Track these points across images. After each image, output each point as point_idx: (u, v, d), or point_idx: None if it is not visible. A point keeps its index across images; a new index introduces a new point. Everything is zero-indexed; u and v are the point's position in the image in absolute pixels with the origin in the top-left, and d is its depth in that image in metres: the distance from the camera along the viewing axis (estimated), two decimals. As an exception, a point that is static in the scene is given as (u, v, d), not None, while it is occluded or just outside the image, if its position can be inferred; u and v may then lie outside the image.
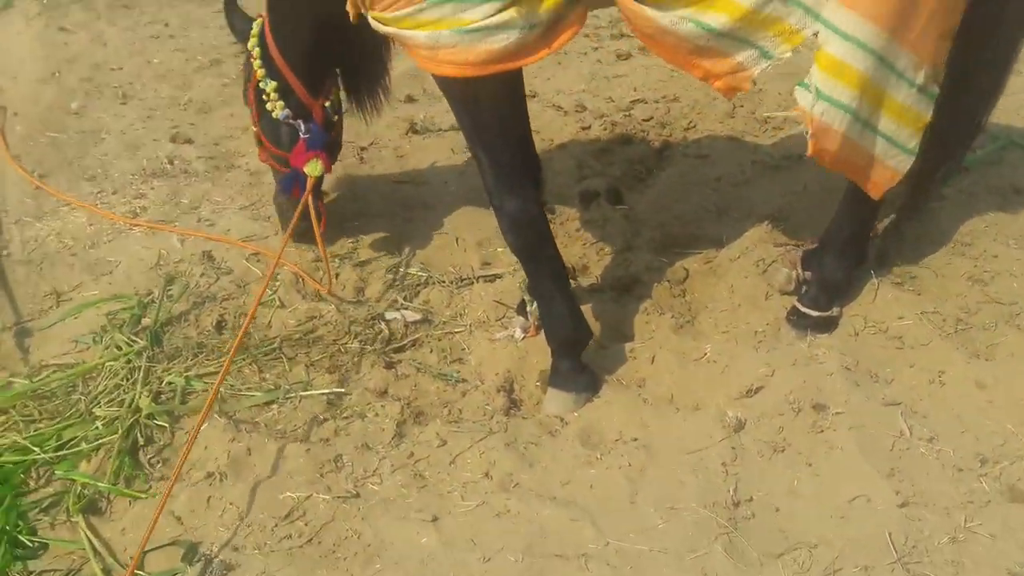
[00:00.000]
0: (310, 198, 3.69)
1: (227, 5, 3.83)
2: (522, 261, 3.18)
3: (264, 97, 3.64)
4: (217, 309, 3.66)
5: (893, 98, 2.70)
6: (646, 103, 5.01)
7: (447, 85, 2.88)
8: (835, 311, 3.23)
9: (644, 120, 4.82)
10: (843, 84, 2.64)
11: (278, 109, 3.65)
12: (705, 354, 3.21)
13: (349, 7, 2.78)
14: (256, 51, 3.61)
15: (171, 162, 4.68)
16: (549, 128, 4.78)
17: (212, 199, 4.38)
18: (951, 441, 2.77)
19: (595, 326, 3.39)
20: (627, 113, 4.88)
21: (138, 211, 4.27)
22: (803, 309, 3.23)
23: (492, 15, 2.54)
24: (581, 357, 3.14)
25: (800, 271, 3.36)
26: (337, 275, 3.79)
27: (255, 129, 3.84)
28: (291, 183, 3.75)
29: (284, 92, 3.63)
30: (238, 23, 3.80)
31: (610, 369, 3.23)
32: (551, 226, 3.28)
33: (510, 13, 2.54)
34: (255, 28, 3.64)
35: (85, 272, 3.92)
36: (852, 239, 3.24)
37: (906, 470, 2.69)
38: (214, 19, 6.37)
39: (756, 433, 2.86)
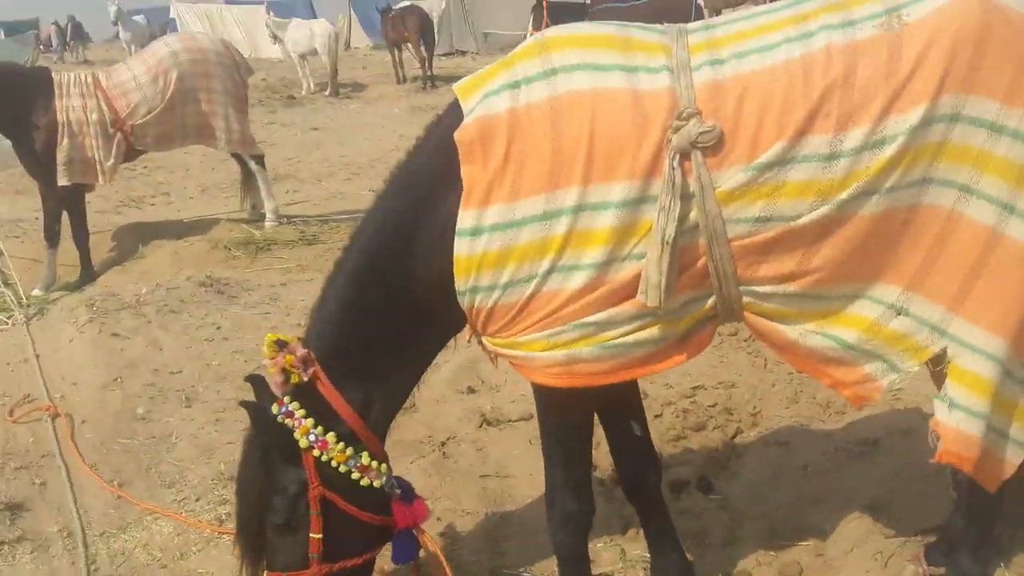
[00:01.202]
0: (434, 545, 3.29)
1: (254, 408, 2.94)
2: (563, 560, 3.20)
3: (357, 474, 2.96)
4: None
5: (1017, 403, 2.73)
6: (706, 389, 5.12)
7: (550, 392, 2.83)
8: None
9: (710, 406, 4.90)
10: (976, 394, 2.67)
11: (383, 473, 3.03)
12: (859, 656, 3.10)
13: (468, 331, 2.91)
14: (316, 433, 2.89)
15: (247, 465, 4.62)
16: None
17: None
18: None
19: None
20: (692, 399, 4.97)
21: (223, 518, 4.16)
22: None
23: (636, 332, 2.65)
24: None
25: (925, 567, 3.31)
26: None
27: (315, 549, 2.96)
28: (409, 548, 3.19)
29: (363, 448, 3.01)
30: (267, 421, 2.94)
31: (752, 672, 3.09)
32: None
33: (651, 330, 2.65)
34: (296, 413, 2.89)
35: (178, 585, 3.77)
36: (984, 533, 3.21)
37: None
38: (264, 320, 6.55)
39: None
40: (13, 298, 7.36)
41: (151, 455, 4.76)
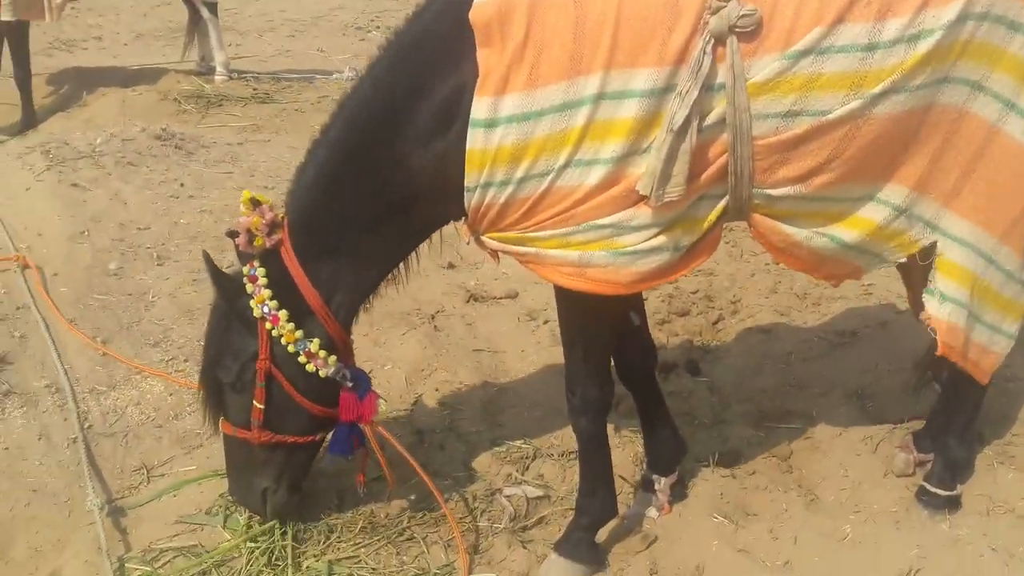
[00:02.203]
0: (374, 438, 3.17)
1: (211, 267, 2.92)
2: (583, 443, 3.15)
3: (304, 359, 2.89)
4: (332, 484, 3.52)
5: (999, 293, 2.87)
6: (687, 275, 5.17)
7: (575, 296, 2.77)
8: (959, 489, 3.34)
9: (692, 292, 4.97)
10: (962, 286, 2.80)
11: (330, 365, 2.93)
12: (847, 535, 3.25)
13: (466, 228, 2.78)
14: (270, 306, 2.82)
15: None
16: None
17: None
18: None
19: (717, 501, 3.42)
20: (675, 285, 5.02)
21: (215, 380, 4.09)
22: (932, 489, 3.32)
23: (647, 240, 2.58)
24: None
25: (915, 453, 3.48)
26: (442, 447, 3.72)
27: (257, 416, 2.98)
28: (346, 440, 3.13)
29: (320, 335, 2.92)
30: (224, 283, 2.92)
31: (751, 549, 3.23)
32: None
33: (662, 238, 2.59)
34: (259, 280, 2.83)
35: (175, 445, 3.76)
36: (969, 421, 3.38)
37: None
38: (228, 179, 6.34)
39: (934, 619, 2.90)
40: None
41: (130, 313, 4.63)
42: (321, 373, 2.90)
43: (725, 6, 2.40)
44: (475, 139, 2.53)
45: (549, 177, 2.51)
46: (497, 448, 3.78)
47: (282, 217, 2.88)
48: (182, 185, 6.16)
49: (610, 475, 3.19)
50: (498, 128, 2.50)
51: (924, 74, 2.51)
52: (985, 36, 2.55)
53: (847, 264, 2.83)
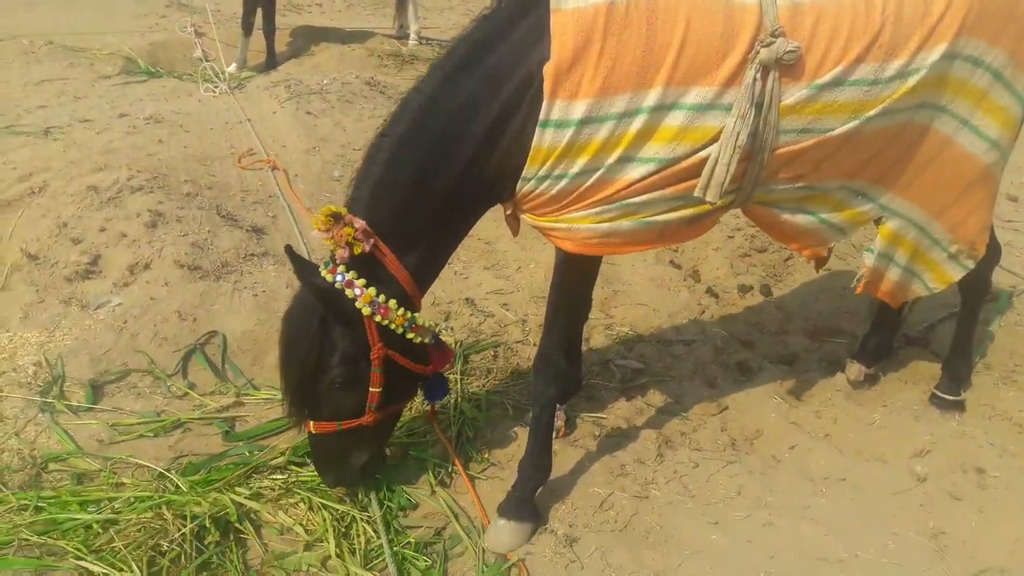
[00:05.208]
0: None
1: (300, 265, 2.46)
2: (541, 408, 2.85)
3: (412, 334, 2.56)
4: (487, 341, 3.84)
5: (925, 253, 2.91)
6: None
7: (575, 261, 2.68)
8: (963, 395, 3.46)
9: (769, 235, 5.05)
10: (895, 246, 2.88)
11: (429, 330, 2.64)
12: (875, 421, 3.40)
13: (507, 211, 2.61)
14: (380, 300, 2.45)
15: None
16: (707, 238, 4.93)
17: (460, 259, 4.56)
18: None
19: (776, 387, 3.60)
20: (755, 228, 5.12)
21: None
22: (941, 395, 3.46)
23: (666, 213, 2.47)
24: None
25: (863, 367, 3.60)
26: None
27: (374, 400, 2.61)
28: (442, 385, 2.85)
29: (413, 309, 2.59)
30: (310, 270, 2.49)
31: (800, 423, 3.40)
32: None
33: (684, 211, 2.49)
34: (356, 282, 2.43)
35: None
36: (965, 345, 3.51)
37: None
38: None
39: (938, 484, 3.04)
40: (216, 71, 7.43)
41: (349, 208, 4.99)
42: (426, 340, 2.64)
43: (776, 41, 2.33)
44: (544, 137, 2.32)
45: (599, 172, 2.36)
46: (608, 331, 4.02)
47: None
48: (384, 120, 6.47)
49: (551, 444, 2.92)
50: (568, 129, 2.30)
51: (908, 101, 2.53)
52: (955, 71, 2.58)
53: (816, 236, 2.77)
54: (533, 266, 4.56)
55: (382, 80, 7.49)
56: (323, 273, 2.44)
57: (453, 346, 3.74)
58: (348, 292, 2.41)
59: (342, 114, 6.42)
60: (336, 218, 2.38)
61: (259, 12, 8.17)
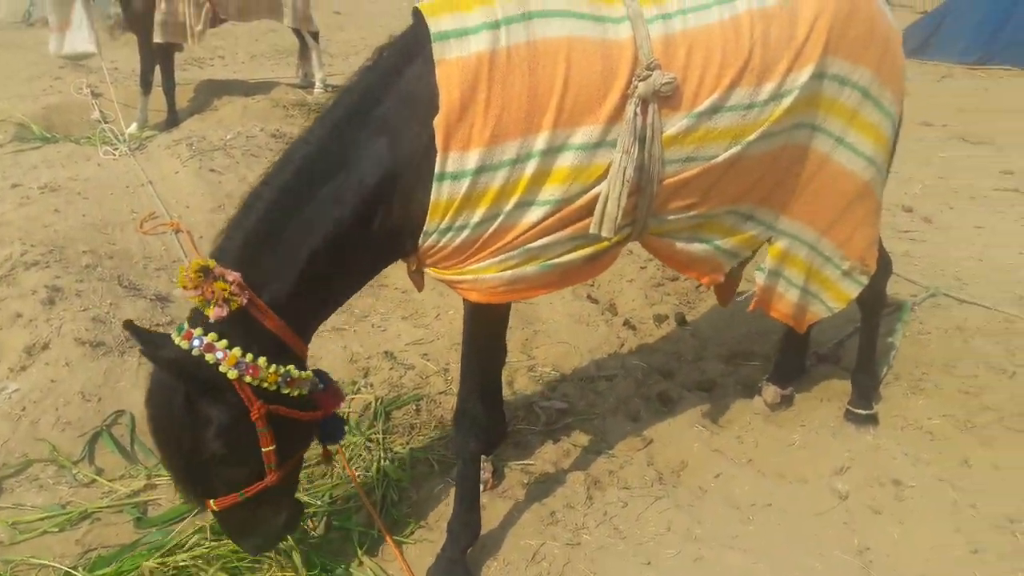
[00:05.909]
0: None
1: (144, 339, 2.19)
2: (465, 463, 2.80)
3: (287, 388, 2.31)
4: (409, 395, 3.76)
5: (819, 272, 2.99)
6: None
7: (483, 311, 2.62)
8: (875, 409, 3.55)
9: (681, 262, 5.13)
10: (787, 265, 2.96)
11: (307, 380, 2.39)
12: (795, 442, 3.46)
13: (411, 267, 2.53)
14: (245, 361, 2.20)
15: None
16: (620, 270, 5.01)
17: (377, 311, 4.49)
18: (990, 505, 3.06)
19: (697, 415, 3.63)
20: (668, 257, 5.19)
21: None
22: (855, 410, 3.54)
23: (567, 255, 2.45)
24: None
25: (779, 389, 3.67)
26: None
27: (270, 459, 2.35)
28: (337, 427, 2.61)
29: (291, 360, 2.34)
30: (157, 343, 2.20)
31: (723, 450, 3.43)
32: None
33: (584, 251, 2.48)
34: (217, 344, 2.17)
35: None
36: (869, 360, 3.63)
37: (967, 527, 2.96)
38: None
39: (858, 500, 3.10)
40: (115, 133, 7.19)
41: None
42: (304, 392, 2.39)
43: (652, 74, 2.34)
44: (441, 191, 2.27)
45: (499, 219, 2.32)
46: (531, 373, 4.00)
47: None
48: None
49: (478, 499, 2.86)
50: (464, 180, 2.26)
51: (784, 122, 2.59)
52: (825, 90, 2.66)
53: (711, 262, 2.80)
54: (452, 312, 4.52)
55: (288, 131, 7.36)
56: (177, 341, 2.19)
57: (373, 403, 3.65)
58: (208, 357, 2.16)
59: (247, 169, 6.28)
60: (205, 272, 2.15)
61: (158, 69, 7.96)
